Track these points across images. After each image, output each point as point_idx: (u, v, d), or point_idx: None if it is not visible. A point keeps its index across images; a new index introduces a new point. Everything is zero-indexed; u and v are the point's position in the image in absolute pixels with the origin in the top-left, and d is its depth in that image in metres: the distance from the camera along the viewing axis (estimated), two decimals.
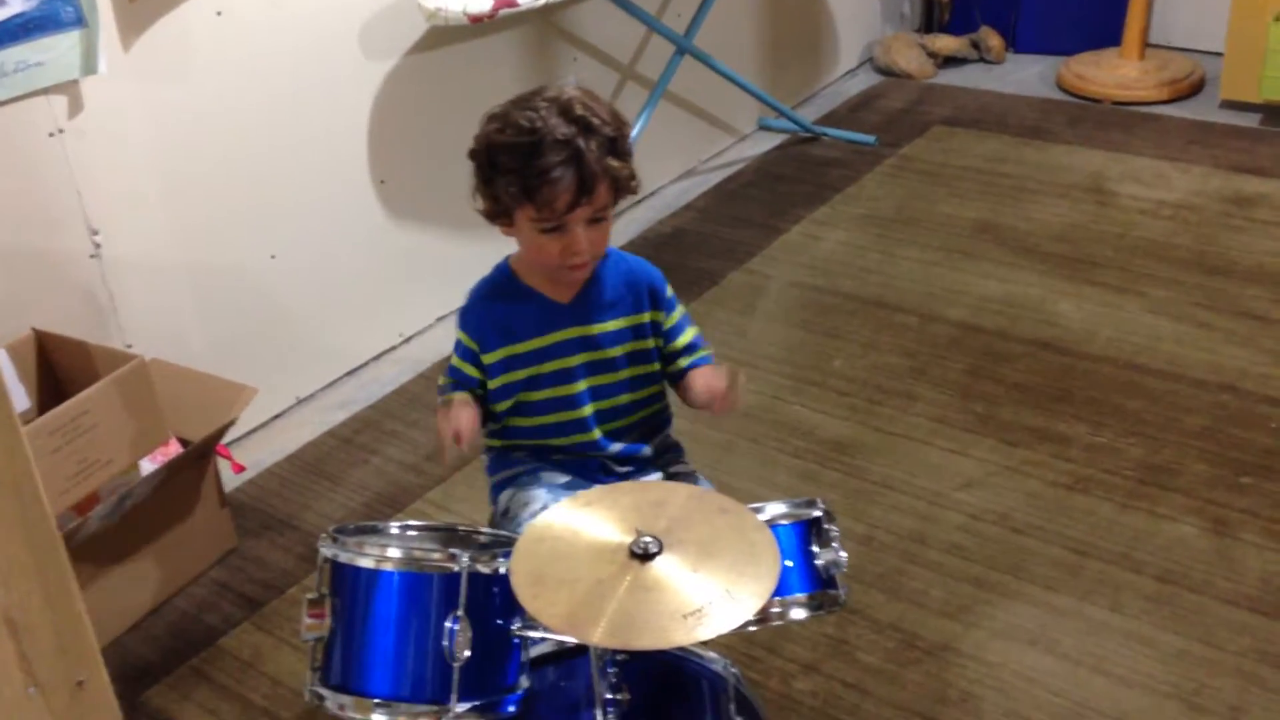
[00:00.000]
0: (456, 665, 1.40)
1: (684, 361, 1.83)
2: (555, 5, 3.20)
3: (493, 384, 1.79)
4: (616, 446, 1.82)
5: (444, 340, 1.93)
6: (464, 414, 1.70)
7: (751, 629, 1.54)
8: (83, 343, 2.27)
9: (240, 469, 2.58)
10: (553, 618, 1.27)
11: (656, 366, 1.83)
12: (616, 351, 1.79)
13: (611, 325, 1.78)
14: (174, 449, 2.26)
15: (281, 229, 2.81)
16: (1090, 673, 2.06)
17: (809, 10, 4.50)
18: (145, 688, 2.18)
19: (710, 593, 1.29)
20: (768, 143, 4.25)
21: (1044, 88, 4.54)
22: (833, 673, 2.10)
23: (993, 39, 4.79)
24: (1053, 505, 2.45)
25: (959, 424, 2.71)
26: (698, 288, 3.33)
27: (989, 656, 2.11)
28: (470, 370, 1.79)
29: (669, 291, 1.82)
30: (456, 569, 1.43)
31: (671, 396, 1.88)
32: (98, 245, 2.45)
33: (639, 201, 3.82)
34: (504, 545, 1.52)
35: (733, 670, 1.59)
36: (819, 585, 1.53)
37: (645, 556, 1.31)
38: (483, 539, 1.65)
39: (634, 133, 3.52)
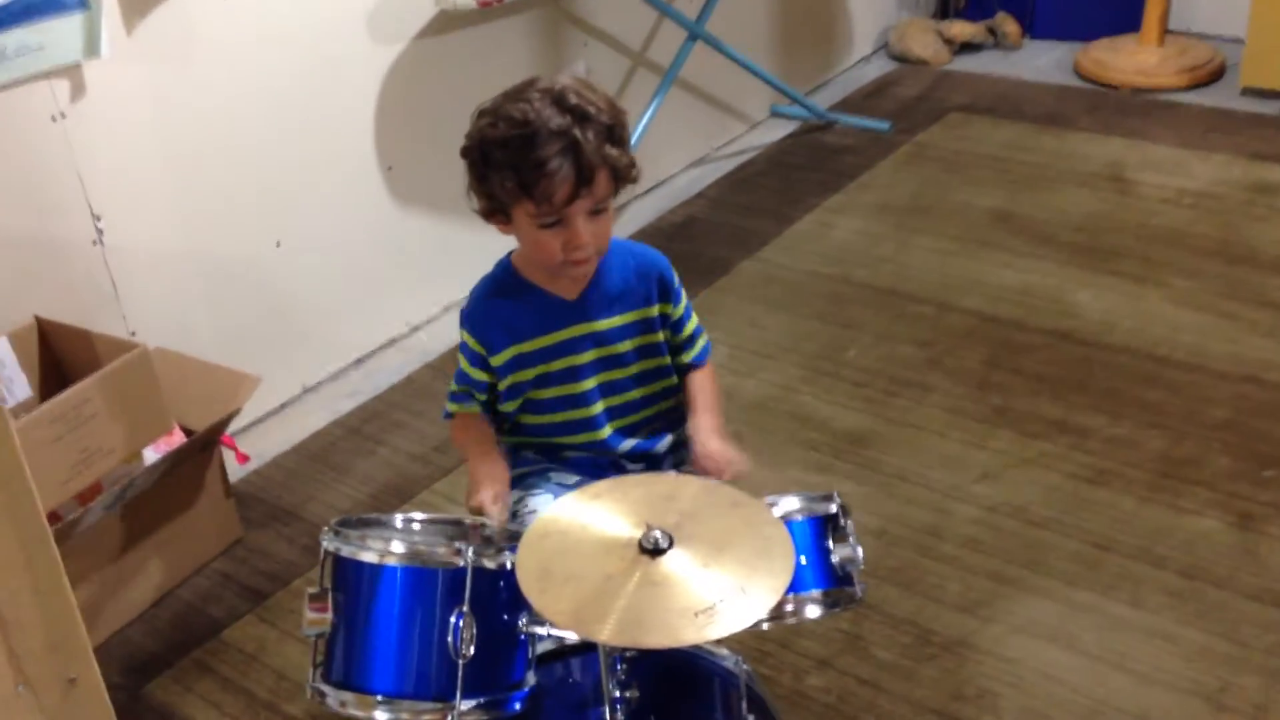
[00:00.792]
0: (461, 662, 1.36)
1: (686, 357, 1.80)
2: None
3: (502, 385, 1.75)
4: (628, 444, 1.78)
5: (452, 329, 1.89)
6: (490, 469, 1.67)
7: (764, 627, 1.50)
8: (85, 331, 2.24)
9: (245, 459, 2.54)
10: (559, 614, 1.23)
11: (667, 360, 1.78)
12: (626, 346, 1.74)
13: (620, 320, 1.73)
14: (178, 438, 2.23)
15: (287, 216, 2.77)
16: (1111, 669, 2.02)
17: None
18: (148, 680, 2.15)
19: (722, 589, 1.25)
20: (780, 130, 4.19)
21: (1061, 74, 4.47)
22: (847, 669, 2.06)
23: (1009, 25, 4.72)
24: (1072, 498, 2.40)
25: (975, 415, 2.66)
26: (709, 277, 3.29)
27: (1007, 652, 2.06)
28: (480, 375, 1.75)
29: (677, 280, 1.78)
30: (461, 564, 1.39)
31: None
32: (100, 232, 2.41)
33: (649, 190, 3.77)
34: (511, 539, 1.48)
35: (744, 667, 1.55)
36: (834, 582, 1.48)
37: (655, 551, 1.27)
38: (489, 532, 1.61)
39: (644, 120, 3.48)
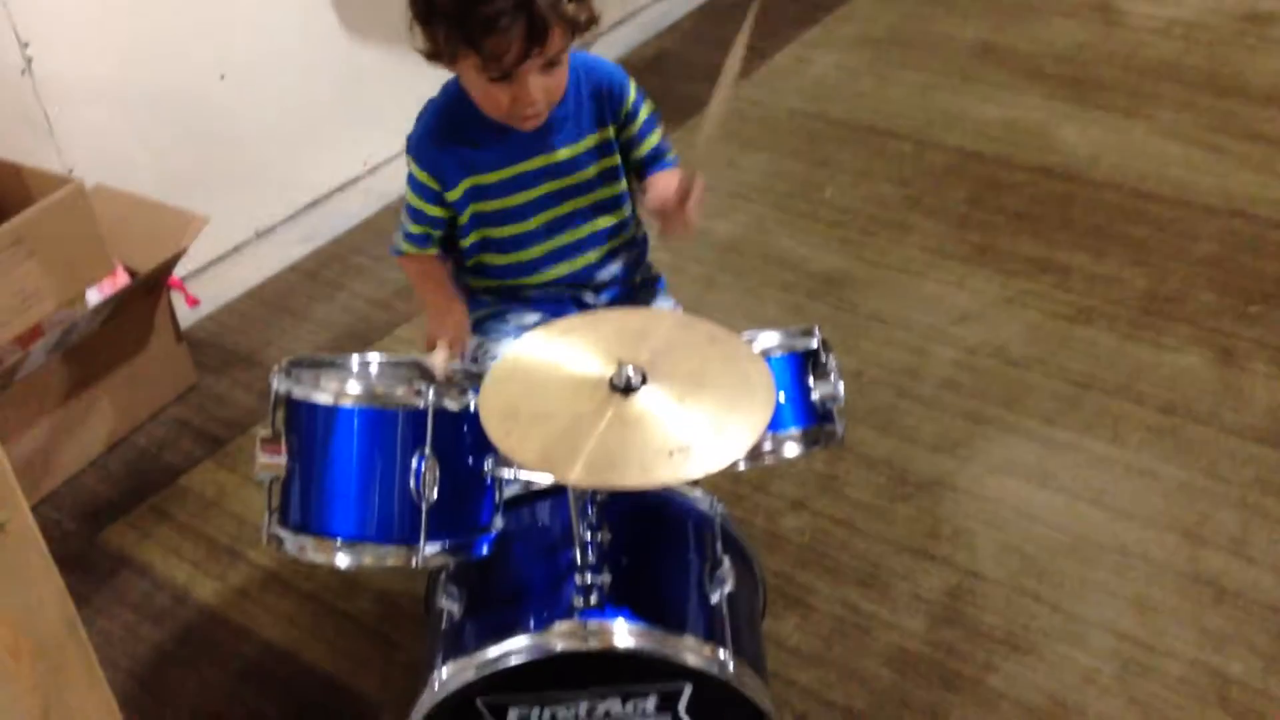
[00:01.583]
0: (424, 505, 1.30)
1: (647, 173, 1.67)
2: None
3: (461, 219, 1.63)
4: (593, 275, 1.69)
5: None
6: (450, 320, 1.58)
7: (742, 467, 1.45)
8: (16, 165, 2.10)
9: (195, 303, 2.45)
10: (527, 456, 1.16)
11: (624, 186, 1.67)
12: (586, 174, 1.63)
13: (579, 147, 1.61)
14: (122, 280, 2.12)
15: (231, 46, 2.60)
16: (1089, 506, 2.00)
17: None
18: (103, 526, 2.10)
19: (698, 428, 1.18)
20: None
21: None
22: (821, 510, 2.03)
23: None
24: (1052, 337, 2.35)
25: (955, 255, 2.59)
26: (681, 114, 3.12)
27: (984, 491, 2.04)
28: (434, 210, 1.62)
29: (632, 92, 1.63)
30: (422, 405, 1.32)
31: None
32: (29, 60, 2.25)
33: (618, 23, 3.60)
34: (474, 380, 1.41)
35: (719, 508, 1.51)
36: (814, 420, 1.43)
37: (627, 389, 1.20)
38: (451, 375, 1.53)
39: None
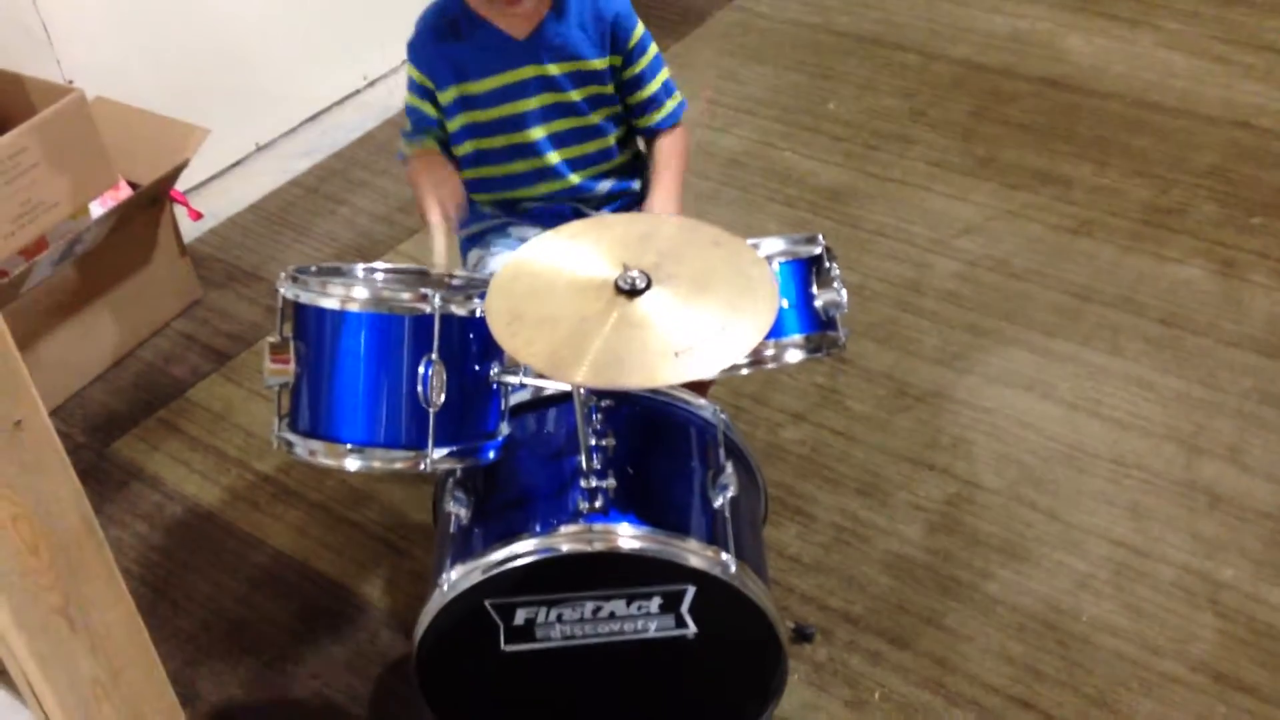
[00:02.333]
0: (432, 410, 1.32)
1: (649, 119, 1.68)
2: None
3: (451, 125, 1.64)
4: (592, 189, 1.69)
5: None
6: (446, 189, 1.56)
7: (745, 372, 1.47)
8: (16, 75, 2.08)
9: (198, 216, 2.44)
10: (533, 356, 1.18)
11: (621, 109, 1.67)
12: (576, 96, 1.63)
13: (569, 66, 1.61)
14: (124, 193, 2.12)
15: None
16: (1087, 416, 2.02)
17: None
18: (113, 439, 2.12)
19: (703, 329, 1.19)
20: None
21: None
22: (822, 421, 2.05)
23: None
24: (1054, 249, 2.35)
25: (958, 168, 2.58)
26: (683, 26, 3.12)
27: (983, 402, 2.06)
28: (428, 109, 1.64)
29: (637, 29, 1.63)
30: (429, 310, 1.33)
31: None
32: None
33: None
34: (479, 288, 1.41)
35: (722, 416, 1.53)
36: (817, 326, 1.44)
37: (632, 292, 1.21)
38: (457, 282, 1.54)
39: None
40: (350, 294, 1.34)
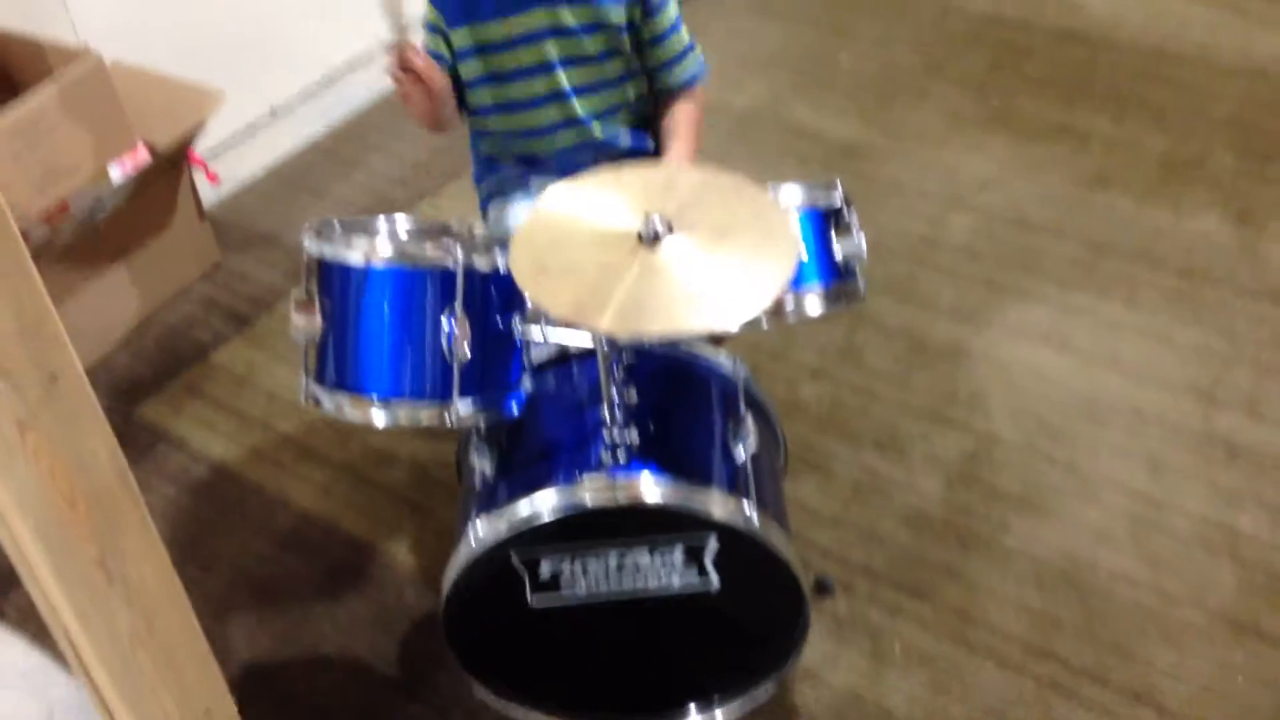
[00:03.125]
0: (456, 363, 1.33)
1: (669, 79, 1.67)
2: None
3: (467, 72, 1.64)
4: (613, 144, 1.69)
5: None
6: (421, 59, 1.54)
7: (765, 327, 1.47)
8: (35, 40, 2.08)
9: (216, 179, 2.45)
10: (557, 305, 1.18)
11: (638, 64, 1.67)
12: (592, 47, 1.63)
13: (586, 15, 1.60)
14: (143, 157, 2.12)
15: None
16: (1104, 369, 2.02)
17: None
18: (138, 403, 2.14)
19: (724, 277, 1.20)
20: None
21: None
22: (840, 377, 2.06)
23: None
24: (1070, 202, 2.35)
25: (975, 122, 2.57)
26: None
27: (1000, 356, 2.06)
28: (442, 47, 1.65)
29: None
30: (452, 264, 1.33)
31: None
32: None
33: None
34: (501, 242, 1.42)
35: (742, 370, 1.54)
36: (837, 276, 1.44)
37: (654, 240, 1.22)
38: (479, 238, 1.55)
39: None
40: (374, 249, 1.35)
